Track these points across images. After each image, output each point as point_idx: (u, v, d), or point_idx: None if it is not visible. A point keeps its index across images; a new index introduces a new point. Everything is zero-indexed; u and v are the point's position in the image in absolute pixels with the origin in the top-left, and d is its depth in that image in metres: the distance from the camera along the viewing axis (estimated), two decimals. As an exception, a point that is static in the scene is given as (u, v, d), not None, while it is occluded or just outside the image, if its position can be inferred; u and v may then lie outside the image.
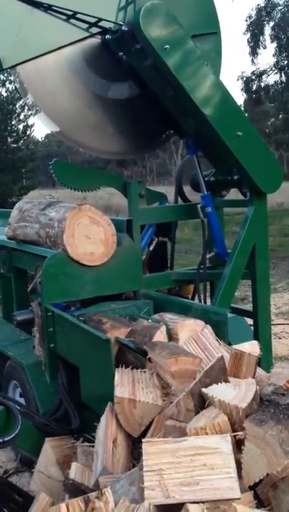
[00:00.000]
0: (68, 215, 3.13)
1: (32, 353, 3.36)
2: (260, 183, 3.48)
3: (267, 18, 22.96)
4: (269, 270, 3.77)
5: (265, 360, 2.99)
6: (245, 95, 25.51)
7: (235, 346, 2.41)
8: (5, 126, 21.71)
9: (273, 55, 24.03)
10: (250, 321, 3.78)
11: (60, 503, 1.94)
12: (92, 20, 3.30)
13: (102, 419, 2.29)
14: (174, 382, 2.26)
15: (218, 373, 2.11)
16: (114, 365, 2.47)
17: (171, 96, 3.49)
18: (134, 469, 1.97)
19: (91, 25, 3.32)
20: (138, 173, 40.09)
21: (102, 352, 2.51)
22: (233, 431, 1.86)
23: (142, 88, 3.62)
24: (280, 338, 5.91)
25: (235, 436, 1.84)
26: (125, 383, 2.30)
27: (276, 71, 24.22)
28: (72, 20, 3.27)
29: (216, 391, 1.99)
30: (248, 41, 23.28)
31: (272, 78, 24.93)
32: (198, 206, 3.70)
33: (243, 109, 19.64)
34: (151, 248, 3.91)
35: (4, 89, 21.70)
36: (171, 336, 2.86)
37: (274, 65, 24.03)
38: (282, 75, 24.33)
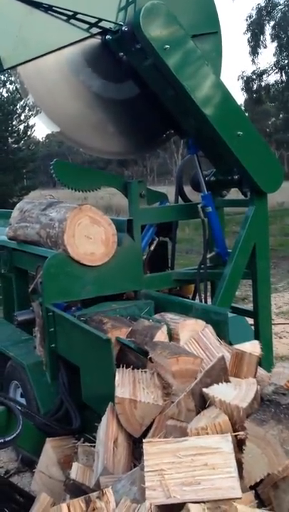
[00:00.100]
0: (69, 216, 3.13)
1: (33, 353, 3.37)
2: (261, 183, 3.48)
3: (267, 18, 22.95)
4: (270, 270, 3.77)
5: (266, 360, 2.99)
6: (245, 95, 25.55)
7: (236, 346, 2.41)
8: (6, 126, 21.76)
9: (274, 55, 24.08)
10: (250, 321, 3.78)
11: (61, 503, 1.94)
12: (93, 20, 3.30)
13: (103, 419, 2.29)
14: (174, 382, 2.26)
15: (219, 373, 2.11)
16: (115, 365, 2.47)
17: (171, 96, 3.49)
18: (135, 469, 1.97)
19: (91, 25, 3.32)
20: (139, 172, 40.08)
21: (103, 352, 2.51)
22: (234, 431, 1.86)
23: (143, 88, 3.62)
24: (280, 337, 5.91)
25: (236, 436, 1.84)
26: (126, 383, 2.30)
27: (277, 70, 24.24)
28: (72, 21, 3.27)
29: (217, 391, 1.99)
30: (249, 41, 23.29)
31: (272, 78, 24.96)
32: (199, 206, 3.70)
33: (243, 108, 19.64)
34: (151, 248, 3.91)
35: (5, 90, 21.74)
36: (172, 336, 2.86)
37: (274, 65, 24.04)
38: (283, 74, 24.35)
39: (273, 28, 22.94)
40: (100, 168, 27.46)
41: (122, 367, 2.45)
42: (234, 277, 3.50)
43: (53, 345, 3.09)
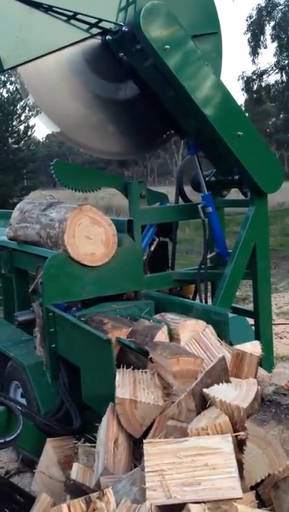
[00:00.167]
0: (69, 216, 3.13)
1: (33, 354, 3.37)
2: (261, 183, 3.47)
3: (267, 18, 22.97)
4: (270, 270, 3.77)
5: (267, 360, 2.99)
6: (245, 95, 25.56)
7: (236, 346, 2.41)
8: (6, 127, 21.77)
9: (274, 55, 24.11)
10: (251, 321, 3.78)
11: (62, 503, 1.94)
12: (93, 21, 3.30)
13: (104, 419, 2.29)
14: (175, 382, 2.26)
15: (220, 373, 2.11)
16: (116, 365, 2.47)
17: (171, 96, 3.49)
18: (135, 469, 1.97)
19: (91, 25, 3.32)
20: (139, 173, 40.09)
21: (103, 352, 2.51)
22: (235, 431, 1.86)
23: (143, 88, 3.63)
24: (281, 337, 5.91)
25: (236, 436, 1.84)
26: (126, 384, 2.30)
27: (277, 71, 24.26)
28: (72, 21, 3.27)
29: (218, 391, 1.99)
30: (249, 41, 23.30)
31: (272, 78, 25.01)
32: (199, 206, 3.70)
33: (243, 109, 19.65)
34: (152, 248, 3.91)
35: (5, 90, 21.75)
36: (173, 336, 2.86)
37: (275, 65, 24.05)
38: (283, 74, 24.37)
39: (273, 28, 22.97)
40: (101, 168, 27.49)
41: (123, 367, 2.45)
42: (234, 277, 3.50)
43: (53, 346, 3.09)
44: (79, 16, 3.25)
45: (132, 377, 2.37)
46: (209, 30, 3.73)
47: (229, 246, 3.83)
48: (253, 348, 2.37)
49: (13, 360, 3.55)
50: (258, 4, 25.45)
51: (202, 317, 2.94)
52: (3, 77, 20.80)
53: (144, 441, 1.87)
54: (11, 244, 3.84)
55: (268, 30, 23.10)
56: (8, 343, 3.74)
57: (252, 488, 1.76)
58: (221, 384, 2.05)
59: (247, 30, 23.25)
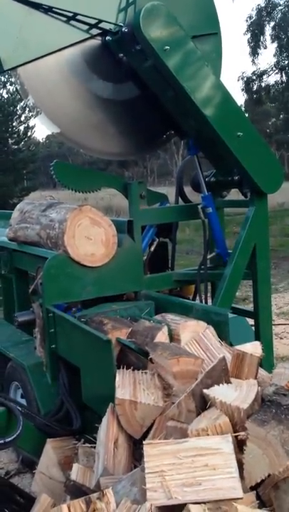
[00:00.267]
0: (69, 216, 3.13)
1: (33, 354, 3.36)
2: (261, 184, 3.48)
3: (267, 18, 22.98)
4: (270, 270, 3.78)
5: (267, 361, 2.99)
6: (245, 95, 25.55)
7: (237, 347, 2.41)
8: (6, 127, 21.78)
9: (274, 55, 24.12)
10: (251, 321, 3.78)
11: (62, 504, 1.94)
12: (93, 21, 3.30)
13: (104, 420, 2.29)
14: (175, 383, 2.26)
15: (220, 374, 2.11)
16: (116, 366, 2.47)
17: (171, 97, 3.50)
18: (135, 470, 1.97)
19: (91, 26, 3.33)
20: (139, 173, 40.09)
21: (103, 353, 2.51)
22: (235, 432, 1.86)
23: (143, 89, 3.63)
24: (281, 338, 5.91)
25: (236, 436, 1.84)
26: (126, 384, 2.30)
27: (277, 71, 24.26)
28: (72, 22, 3.27)
29: (218, 392, 1.99)
30: (249, 41, 23.31)
31: (272, 78, 25.00)
32: (199, 207, 3.70)
33: (243, 109, 19.67)
34: (152, 249, 3.91)
35: (5, 91, 21.75)
36: (173, 336, 2.86)
37: (274, 65, 24.05)
38: (283, 75, 24.37)
39: (273, 28, 22.98)
40: (101, 169, 27.50)
41: (123, 368, 2.45)
42: (234, 278, 3.50)
43: (53, 346, 3.09)
44: (79, 17, 3.26)
45: (132, 377, 2.37)
46: (209, 30, 3.73)
47: (229, 246, 3.83)
48: (253, 348, 2.37)
49: (13, 361, 3.55)
50: (258, 5, 25.45)
51: (202, 317, 2.94)
52: (3, 78, 20.82)
53: (144, 442, 1.87)
54: (11, 245, 3.84)
55: (268, 30, 23.16)
56: (8, 343, 3.74)
57: (252, 488, 1.76)
58: (221, 385, 2.05)
59: (247, 31, 23.28)
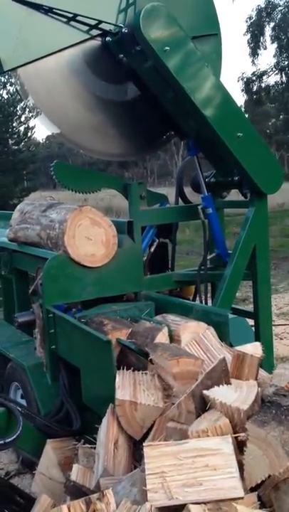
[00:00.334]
0: (69, 217, 3.13)
1: (33, 355, 3.36)
2: (261, 184, 3.48)
3: (267, 19, 22.98)
4: (270, 271, 3.78)
5: (267, 362, 2.98)
6: (245, 96, 25.54)
7: (237, 348, 2.40)
8: (6, 128, 21.78)
9: (274, 56, 24.12)
10: (251, 322, 3.78)
11: (62, 504, 1.94)
12: (93, 22, 3.30)
13: (104, 420, 2.29)
14: (175, 383, 2.26)
15: (220, 375, 2.11)
16: (116, 366, 2.47)
17: (171, 97, 3.50)
18: (135, 471, 1.97)
19: (91, 27, 3.33)
20: (139, 174, 40.09)
21: (103, 353, 2.51)
22: (235, 433, 1.86)
23: (143, 90, 3.63)
24: (281, 338, 5.90)
25: (237, 437, 1.84)
26: (126, 385, 2.30)
27: (277, 72, 24.26)
28: (72, 23, 3.27)
29: (218, 393, 1.99)
30: (249, 42, 23.31)
31: (272, 79, 24.97)
32: (199, 207, 3.70)
33: (243, 110, 19.69)
34: (152, 249, 3.91)
35: (5, 92, 21.76)
36: (173, 337, 2.86)
37: (274, 66, 24.06)
38: (283, 75, 24.36)
39: (273, 29, 22.98)
40: (101, 169, 27.49)
41: (123, 368, 2.45)
42: (234, 278, 3.50)
43: (53, 347, 3.09)
44: (79, 18, 3.26)
45: (132, 378, 2.36)
46: (209, 31, 3.73)
47: (229, 247, 3.83)
48: (253, 349, 2.37)
49: (13, 362, 3.55)
50: (258, 5, 25.42)
51: (202, 318, 2.94)
52: (3, 79, 20.81)
53: (144, 444, 1.87)
54: (11, 246, 3.84)
55: (268, 31, 23.15)
56: (8, 344, 3.74)
57: (252, 489, 1.76)
58: (221, 386, 2.05)
59: (247, 31, 23.27)
